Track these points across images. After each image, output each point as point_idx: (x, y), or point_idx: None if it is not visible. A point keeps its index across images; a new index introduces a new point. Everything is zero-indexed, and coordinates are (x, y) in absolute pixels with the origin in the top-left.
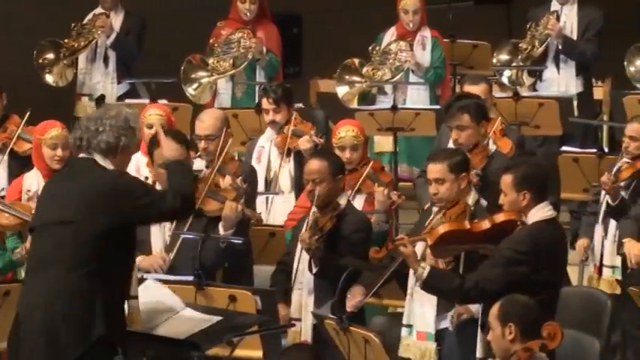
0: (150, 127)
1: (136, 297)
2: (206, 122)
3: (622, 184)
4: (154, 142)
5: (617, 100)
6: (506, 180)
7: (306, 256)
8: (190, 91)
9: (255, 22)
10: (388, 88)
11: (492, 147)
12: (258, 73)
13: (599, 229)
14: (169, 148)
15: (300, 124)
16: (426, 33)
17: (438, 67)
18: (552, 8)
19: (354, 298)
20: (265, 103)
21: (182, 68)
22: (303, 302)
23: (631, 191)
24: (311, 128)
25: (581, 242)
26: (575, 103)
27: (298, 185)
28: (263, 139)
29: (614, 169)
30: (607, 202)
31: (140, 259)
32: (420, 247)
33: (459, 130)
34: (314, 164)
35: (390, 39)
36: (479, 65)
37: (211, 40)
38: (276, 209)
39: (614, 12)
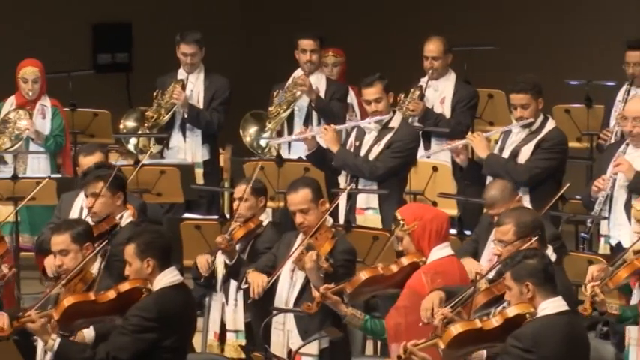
0: None
1: None
2: None
3: (237, 245)
4: None
5: (239, 167)
6: (130, 250)
7: None
8: None
9: None
10: (9, 157)
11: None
12: None
13: (218, 296)
14: None
15: None
16: (46, 102)
17: (58, 135)
18: (179, 76)
19: None
20: None
21: None
22: None
23: (249, 251)
24: None
25: None
26: (202, 170)
27: None
28: None
29: (229, 231)
30: (225, 262)
31: None
32: None
33: (93, 198)
34: None
35: (10, 108)
36: (100, 133)
37: None
38: None
39: (240, 80)
